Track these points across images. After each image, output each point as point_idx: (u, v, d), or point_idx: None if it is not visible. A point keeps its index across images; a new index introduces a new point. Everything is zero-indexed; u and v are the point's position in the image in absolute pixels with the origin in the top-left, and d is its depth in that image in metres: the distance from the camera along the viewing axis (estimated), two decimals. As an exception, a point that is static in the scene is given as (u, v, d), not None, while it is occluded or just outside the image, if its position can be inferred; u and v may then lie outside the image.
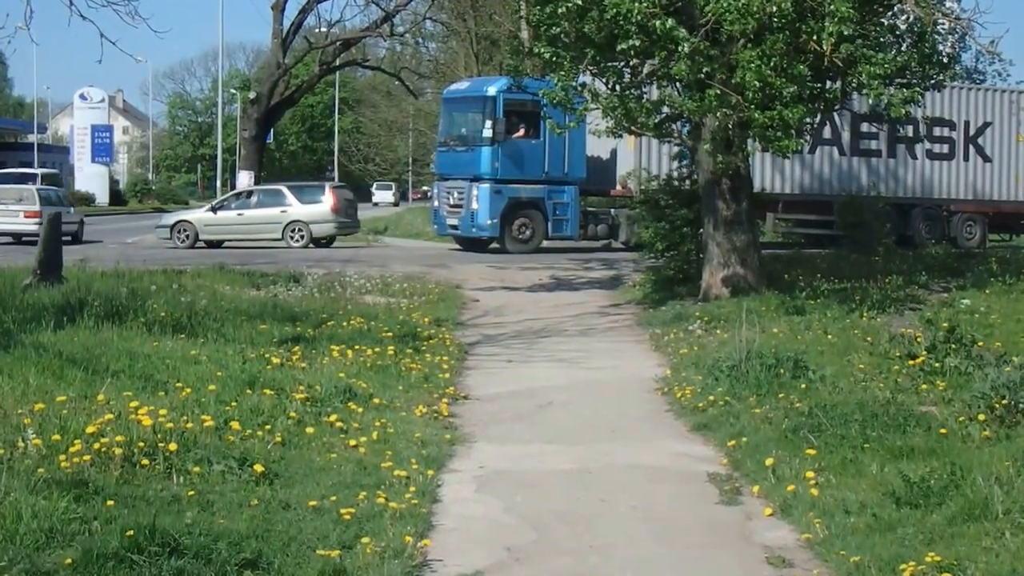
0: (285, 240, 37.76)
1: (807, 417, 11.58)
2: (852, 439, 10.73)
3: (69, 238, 34.02)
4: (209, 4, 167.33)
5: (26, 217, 38.56)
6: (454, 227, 36.91)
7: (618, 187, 36.76)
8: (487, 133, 35.46)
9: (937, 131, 38.33)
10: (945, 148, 39.21)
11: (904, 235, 37.03)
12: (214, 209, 39.45)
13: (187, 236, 37.92)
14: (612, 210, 38.19)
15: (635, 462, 11.20)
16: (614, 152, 36.31)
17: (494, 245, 36.48)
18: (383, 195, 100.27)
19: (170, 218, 40.62)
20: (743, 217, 22.19)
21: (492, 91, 35.75)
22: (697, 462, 11.18)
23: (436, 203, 38.62)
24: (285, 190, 40.31)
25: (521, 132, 35.85)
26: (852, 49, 19.06)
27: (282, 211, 38.52)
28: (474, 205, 35.63)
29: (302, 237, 37.93)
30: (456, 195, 36.48)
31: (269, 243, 37.50)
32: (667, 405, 14.01)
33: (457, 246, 38.20)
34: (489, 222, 35.44)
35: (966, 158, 39.49)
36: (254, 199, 39.94)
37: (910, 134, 36.08)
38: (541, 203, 36.06)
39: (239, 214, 38.79)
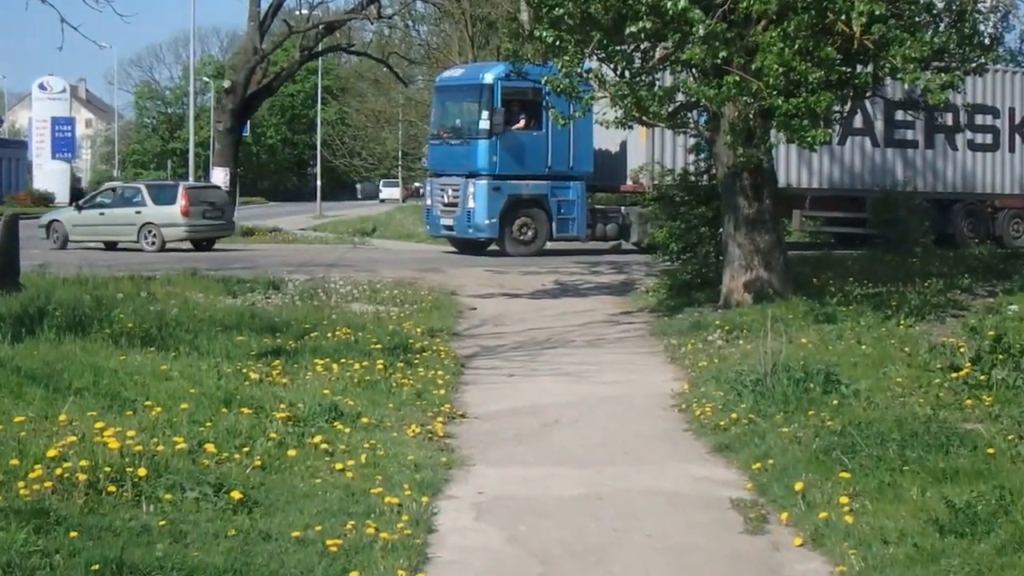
0: (140, 243, 38.41)
1: (840, 436, 11.53)
2: (890, 461, 10.67)
3: None
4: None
5: None
6: (449, 228, 36.85)
7: (629, 182, 36.72)
8: (484, 124, 35.42)
9: (979, 119, 38.26)
10: (989, 138, 39.13)
11: (944, 233, 36.97)
12: (79, 207, 40.61)
13: (59, 236, 39.28)
14: (622, 208, 38.15)
15: (650, 487, 11.15)
16: (624, 145, 36.29)
17: (493, 247, 36.45)
18: (390, 192, 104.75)
19: (45, 217, 42.04)
20: (767, 215, 22.15)
21: (489, 78, 35.71)
22: (719, 487, 11.13)
23: (429, 201, 38.57)
24: (143, 189, 41.29)
25: (521, 123, 35.81)
26: (884, 30, 19.00)
27: (137, 212, 39.21)
28: (470, 203, 35.58)
29: (155, 240, 38.50)
30: (451, 192, 36.41)
31: (128, 245, 38.37)
32: (685, 424, 13.97)
33: (452, 248, 38.18)
34: (487, 222, 35.38)
35: (1012, 149, 39.45)
36: (116, 197, 41.00)
37: (949, 122, 36.03)
38: (544, 201, 36.03)
39: (101, 213, 39.67)
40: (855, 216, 37.88)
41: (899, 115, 35.82)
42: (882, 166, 38.03)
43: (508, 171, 35.58)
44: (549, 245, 36.79)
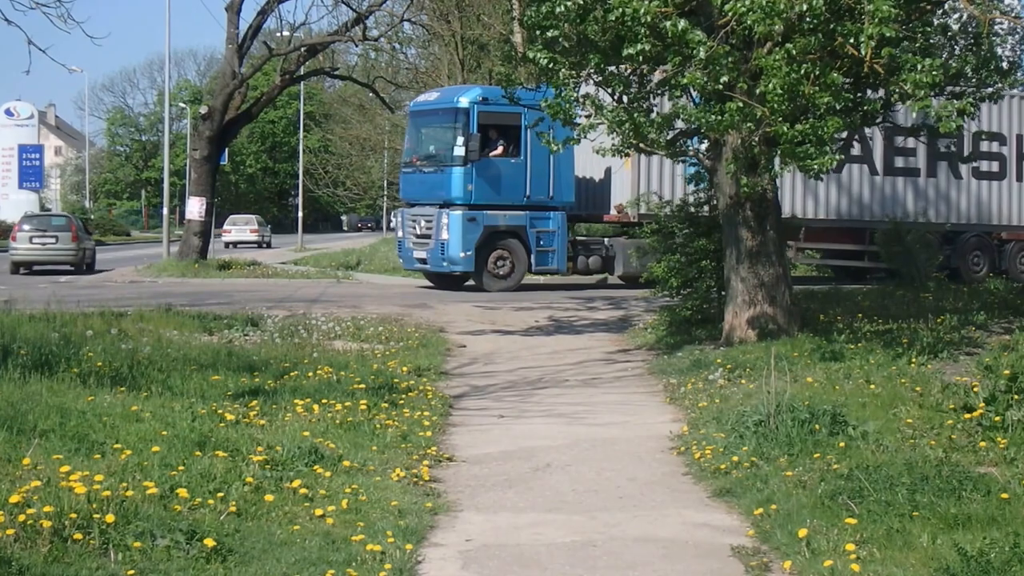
0: None
1: (847, 480, 11.55)
2: (899, 506, 10.69)
3: None
4: (154, 6, 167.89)
5: (251, 232, 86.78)
6: (422, 261, 36.72)
7: (613, 212, 36.72)
8: (459, 151, 35.29)
9: (985, 146, 38.21)
10: (995, 166, 39.06)
11: (949, 267, 36.97)
12: None
13: None
14: (606, 240, 38.08)
15: (647, 534, 11.15)
16: (608, 172, 36.38)
17: (471, 282, 36.40)
18: None
19: None
20: (771, 248, 22.16)
21: (465, 102, 35.62)
22: (719, 534, 11.14)
23: (401, 233, 38.44)
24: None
25: (499, 150, 35.74)
26: (895, 54, 19.04)
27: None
28: (444, 235, 35.44)
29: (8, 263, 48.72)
30: (424, 223, 36.30)
31: None
32: (684, 467, 13.98)
33: (428, 283, 38.07)
34: (462, 255, 35.26)
35: (1020, 178, 39.35)
36: None
37: (952, 148, 36.05)
38: (523, 232, 35.93)
39: None
40: (853, 248, 37.97)
41: (899, 141, 35.91)
42: (881, 195, 38.00)
43: (484, 201, 35.48)
44: (540, 280, 36.74)
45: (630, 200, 35.77)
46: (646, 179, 35.64)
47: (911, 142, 35.11)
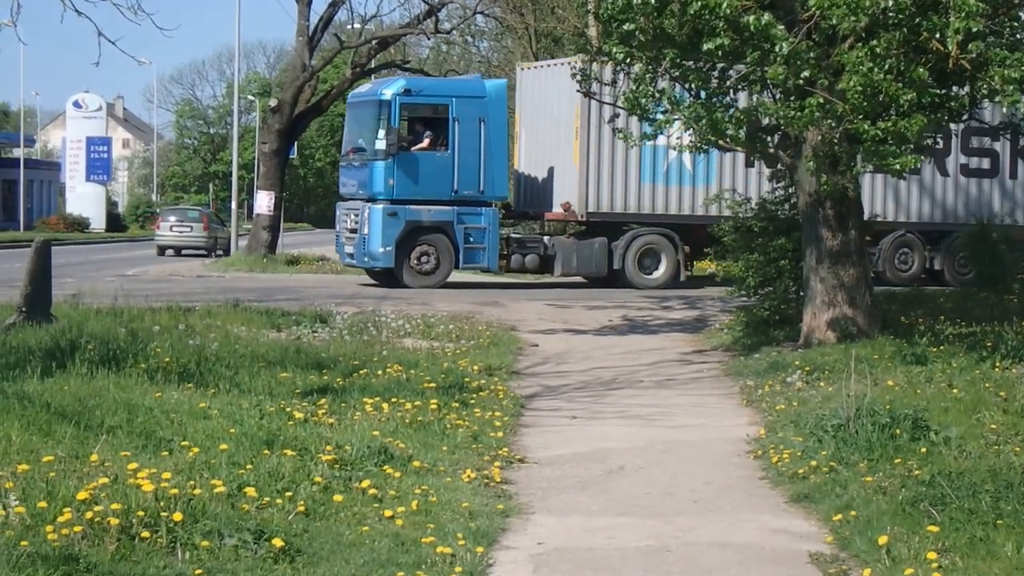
0: None
1: (928, 487, 11.47)
2: (982, 514, 10.61)
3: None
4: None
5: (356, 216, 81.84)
6: (351, 256, 36.81)
7: (558, 209, 36.54)
8: (379, 144, 35.29)
9: (975, 142, 37.58)
10: (986, 162, 38.38)
11: (932, 269, 36.67)
12: None
13: None
14: (546, 238, 37.82)
15: (723, 539, 11.13)
16: (552, 168, 36.30)
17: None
18: None
19: None
20: (852, 248, 22.02)
21: (387, 94, 35.66)
22: (797, 540, 11.11)
23: (337, 228, 38.62)
24: None
25: (425, 143, 35.66)
26: (982, 48, 18.88)
27: None
28: (365, 230, 35.45)
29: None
30: (353, 218, 36.39)
31: None
32: (761, 471, 13.93)
33: (371, 280, 37.91)
34: (382, 250, 35.20)
35: (1013, 175, 38.61)
36: None
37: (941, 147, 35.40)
38: (449, 228, 35.72)
39: None
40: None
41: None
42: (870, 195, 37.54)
43: (407, 195, 35.44)
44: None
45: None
46: (595, 175, 35.53)
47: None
